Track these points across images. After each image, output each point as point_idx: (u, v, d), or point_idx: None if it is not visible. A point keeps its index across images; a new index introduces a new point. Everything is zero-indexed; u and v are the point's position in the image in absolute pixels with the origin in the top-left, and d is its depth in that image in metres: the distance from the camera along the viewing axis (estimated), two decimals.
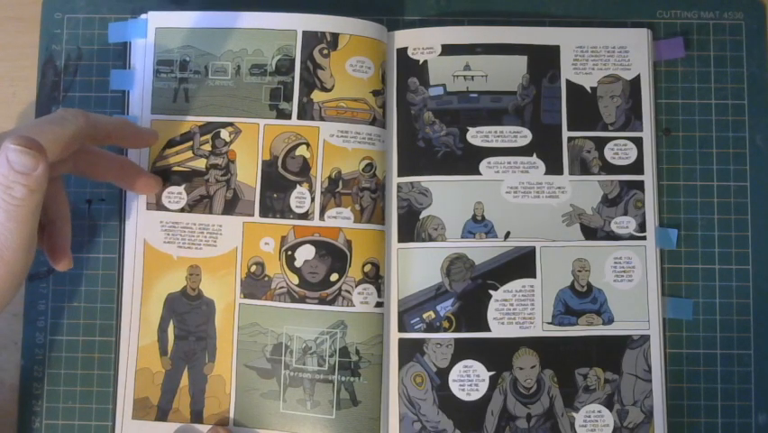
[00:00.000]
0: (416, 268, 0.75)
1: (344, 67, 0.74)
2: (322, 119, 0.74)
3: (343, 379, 0.72)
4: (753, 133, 0.77)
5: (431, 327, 0.74)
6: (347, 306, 0.72)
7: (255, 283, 0.73)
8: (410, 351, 0.74)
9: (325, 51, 0.75)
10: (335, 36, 0.75)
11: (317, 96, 0.74)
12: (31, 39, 0.79)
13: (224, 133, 0.75)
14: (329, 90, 0.74)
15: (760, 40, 0.78)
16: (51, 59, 0.78)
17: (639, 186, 0.76)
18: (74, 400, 0.74)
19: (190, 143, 0.75)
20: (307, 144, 0.74)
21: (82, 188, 0.77)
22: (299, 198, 0.73)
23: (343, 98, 0.74)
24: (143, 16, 0.76)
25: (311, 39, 0.75)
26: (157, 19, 0.76)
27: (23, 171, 0.55)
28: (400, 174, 0.75)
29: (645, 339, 0.74)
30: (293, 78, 0.75)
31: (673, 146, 0.77)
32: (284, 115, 0.75)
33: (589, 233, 0.75)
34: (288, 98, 0.75)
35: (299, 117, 0.74)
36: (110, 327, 0.75)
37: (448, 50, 0.76)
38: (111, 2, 0.79)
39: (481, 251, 0.75)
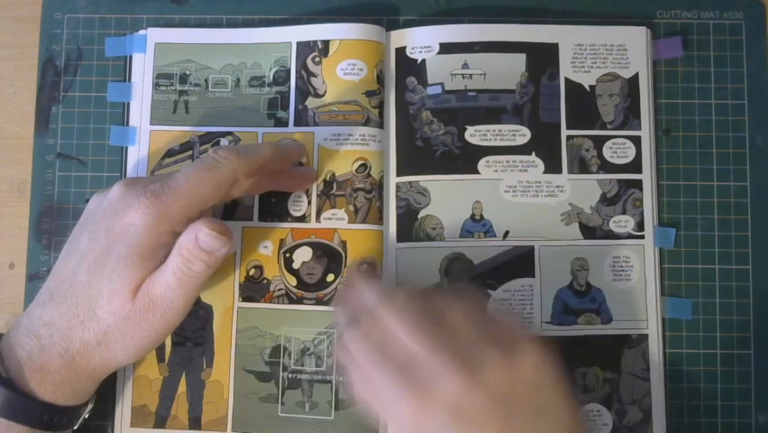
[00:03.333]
0: (414, 268, 0.71)
1: (335, 71, 0.72)
2: (316, 124, 0.71)
3: (341, 379, 0.69)
4: (753, 133, 0.73)
5: None
6: None
7: (254, 286, 0.70)
8: None
9: (317, 59, 0.72)
10: (326, 43, 0.72)
11: (311, 102, 0.72)
12: (31, 39, 0.76)
13: (224, 142, 0.72)
14: (321, 96, 0.72)
15: (760, 40, 0.75)
16: (51, 59, 0.75)
17: (638, 185, 0.72)
18: None
19: (189, 152, 0.73)
20: None
21: (82, 188, 0.74)
22: (296, 201, 0.71)
23: (335, 102, 0.72)
24: (142, 32, 0.74)
25: (304, 49, 0.73)
26: (156, 35, 0.74)
27: (209, 251, 0.57)
28: (399, 174, 0.72)
29: (644, 338, 0.70)
30: (289, 87, 0.73)
31: (673, 146, 0.73)
32: (281, 123, 0.72)
33: (588, 232, 0.71)
34: (285, 107, 0.72)
35: (296, 124, 0.72)
36: None
37: (446, 48, 0.73)
38: (111, 2, 0.76)
39: (480, 250, 0.71)
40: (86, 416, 0.64)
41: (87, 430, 0.69)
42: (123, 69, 0.74)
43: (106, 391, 0.70)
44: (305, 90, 0.72)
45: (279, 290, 0.70)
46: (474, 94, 0.72)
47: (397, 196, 0.71)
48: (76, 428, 0.64)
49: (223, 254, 0.58)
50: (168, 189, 0.58)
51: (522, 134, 0.72)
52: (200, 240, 0.57)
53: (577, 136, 0.72)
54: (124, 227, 0.58)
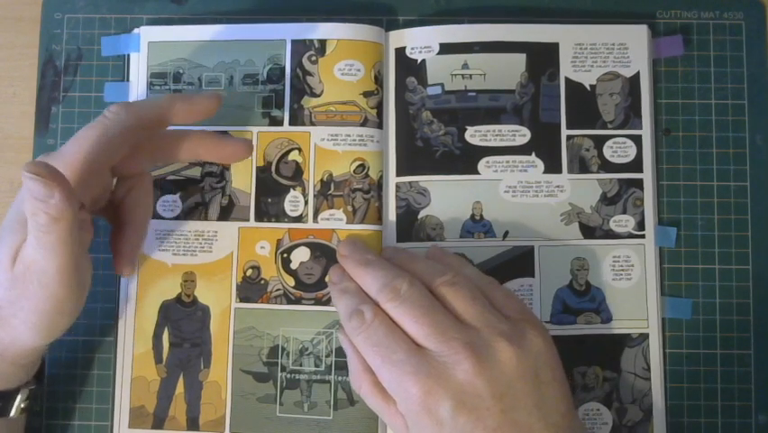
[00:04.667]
0: None
1: (332, 71, 0.71)
2: (312, 124, 0.71)
3: (340, 379, 0.68)
4: (753, 133, 0.72)
5: None
6: None
7: (251, 287, 0.70)
8: None
9: (314, 58, 0.71)
10: (323, 42, 0.71)
11: (307, 102, 0.71)
12: (31, 39, 0.75)
13: None
14: (318, 96, 0.71)
15: (760, 40, 0.74)
16: (51, 59, 0.74)
17: (638, 184, 0.71)
18: (74, 400, 0.70)
19: None
20: (299, 149, 0.71)
21: None
22: (293, 201, 0.70)
23: (332, 102, 0.71)
24: (136, 31, 0.73)
25: (299, 47, 0.72)
26: (149, 33, 0.73)
27: (40, 199, 0.51)
28: (399, 174, 0.71)
29: (644, 337, 0.69)
30: (284, 85, 0.72)
31: (673, 146, 0.72)
32: (276, 121, 0.71)
33: (588, 231, 0.70)
34: (280, 106, 0.71)
35: (291, 123, 0.71)
36: (110, 327, 0.71)
37: (446, 48, 0.72)
38: (111, 2, 0.75)
39: (480, 250, 0.70)
40: (23, 405, 0.62)
41: (88, 427, 0.69)
42: (122, 69, 0.74)
43: (105, 392, 0.69)
44: (300, 89, 0.71)
45: (277, 290, 0.69)
46: (474, 94, 0.71)
47: (397, 196, 0.71)
48: (12, 415, 0.62)
49: (59, 202, 0.51)
50: (55, 154, 0.57)
51: (522, 135, 0.71)
52: (29, 188, 0.51)
53: (577, 136, 0.71)
54: (18, 198, 0.57)
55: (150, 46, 0.72)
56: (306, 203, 0.70)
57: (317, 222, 0.69)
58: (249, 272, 0.69)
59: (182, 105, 0.62)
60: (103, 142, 0.57)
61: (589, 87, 0.71)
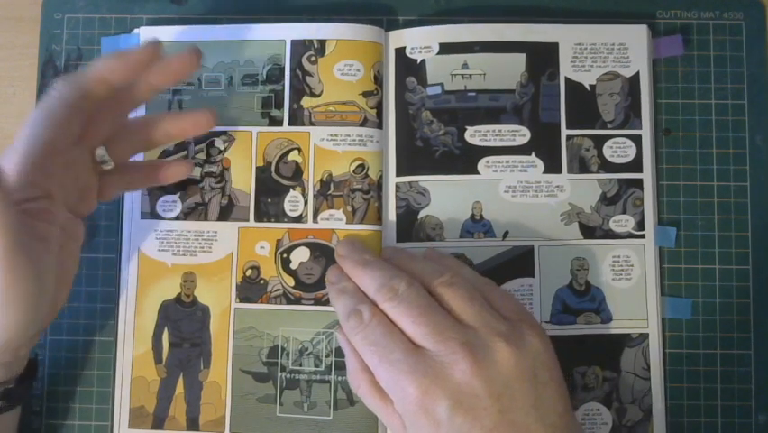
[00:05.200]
0: None
1: (332, 72, 0.71)
2: (312, 124, 0.70)
3: (340, 379, 0.68)
4: (753, 133, 0.72)
5: None
6: None
7: (251, 287, 0.69)
8: None
9: (313, 58, 0.71)
10: (322, 43, 0.71)
11: (307, 102, 0.71)
12: (31, 39, 0.74)
13: (219, 142, 0.71)
14: (318, 96, 0.71)
15: (760, 40, 0.73)
16: (51, 59, 0.74)
17: (638, 184, 0.71)
18: (74, 400, 0.70)
19: (184, 153, 0.72)
20: (299, 149, 0.71)
21: None
22: (293, 201, 0.70)
23: (332, 102, 0.71)
24: (135, 31, 0.73)
25: (299, 47, 0.72)
26: (148, 34, 0.73)
27: None
28: (398, 174, 0.71)
29: (644, 337, 0.69)
30: (283, 86, 0.71)
31: (673, 146, 0.72)
32: (276, 122, 0.71)
33: (588, 231, 0.70)
34: (279, 106, 0.71)
35: (290, 123, 0.71)
36: (110, 326, 0.70)
37: (446, 48, 0.72)
38: (111, 2, 0.75)
39: (480, 250, 0.70)
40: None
41: (88, 427, 0.69)
42: None
43: (105, 392, 0.69)
44: (300, 89, 0.71)
45: (277, 290, 0.69)
46: (474, 94, 0.71)
47: (396, 196, 0.70)
48: None
49: None
50: (10, 146, 0.56)
51: (522, 134, 0.71)
52: None
53: (577, 136, 0.71)
54: None
55: None
56: (306, 203, 0.69)
57: (317, 222, 0.69)
58: (248, 272, 0.69)
59: (116, 60, 0.60)
60: (49, 122, 0.57)
61: (588, 87, 0.71)
